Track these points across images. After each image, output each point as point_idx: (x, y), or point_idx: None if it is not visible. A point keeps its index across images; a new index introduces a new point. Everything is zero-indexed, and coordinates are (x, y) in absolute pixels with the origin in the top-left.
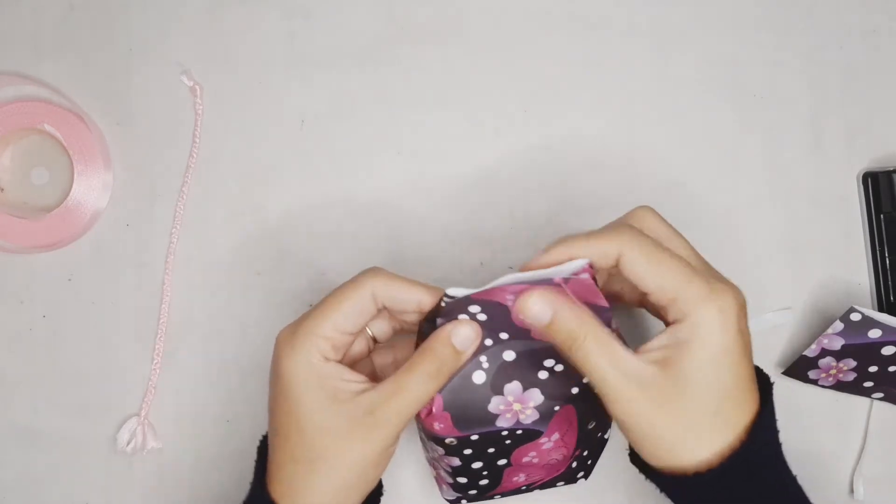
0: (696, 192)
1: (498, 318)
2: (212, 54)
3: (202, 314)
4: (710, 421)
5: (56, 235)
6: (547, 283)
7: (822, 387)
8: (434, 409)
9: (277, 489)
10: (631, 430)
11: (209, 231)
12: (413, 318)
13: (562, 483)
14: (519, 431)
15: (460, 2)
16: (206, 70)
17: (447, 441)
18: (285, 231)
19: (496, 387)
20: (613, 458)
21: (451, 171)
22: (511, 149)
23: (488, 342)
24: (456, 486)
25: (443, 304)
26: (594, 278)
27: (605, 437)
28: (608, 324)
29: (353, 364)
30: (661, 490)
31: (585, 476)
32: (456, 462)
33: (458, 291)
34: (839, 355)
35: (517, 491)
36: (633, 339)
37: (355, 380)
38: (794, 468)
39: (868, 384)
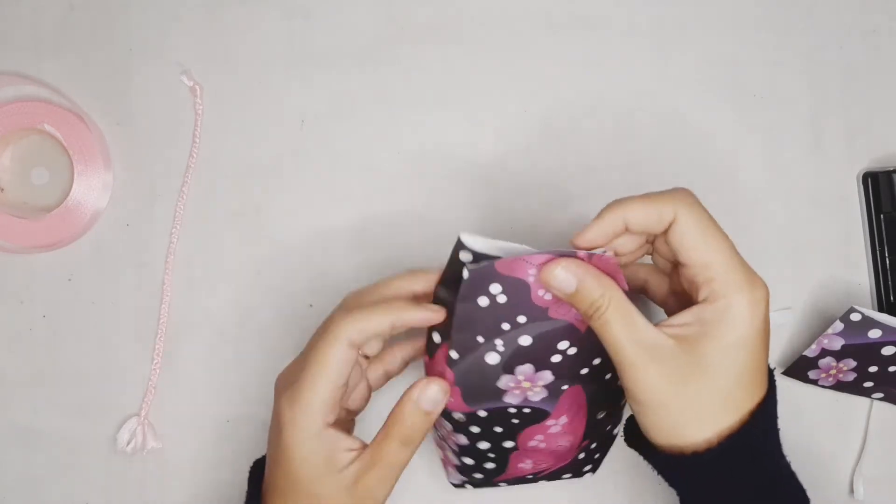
0: (695, 192)
1: (518, 298)
2: (212, 54)
3: (202, 314)
4: (720, 403)
5: (56, 235)
6: (571, 255)
7: (822, 387)
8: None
9: None
10: (639, 400)
11: (209, 231)
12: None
13: (568, 475)
14: (526, 410)
15: (460, 2)
16: (206, 70)
17: (455, 417)
18: (285, 231)
19: (508, 367)
20: (613, 457)
21: (452, 171)
22: (511, 149)
23: (506, 326)
24: (462, 469)
25: (465, 276)
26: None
27: (615, 432)
28: None
29: (351, 390)
30: (657, 470)
31: (593, 470)
32: (463, 440)
33: (473, 241)
34: (839, 355)
35: (523, 480)
36: None
37: (349, 447)
38: (794, 468)
39: (868, 384)
